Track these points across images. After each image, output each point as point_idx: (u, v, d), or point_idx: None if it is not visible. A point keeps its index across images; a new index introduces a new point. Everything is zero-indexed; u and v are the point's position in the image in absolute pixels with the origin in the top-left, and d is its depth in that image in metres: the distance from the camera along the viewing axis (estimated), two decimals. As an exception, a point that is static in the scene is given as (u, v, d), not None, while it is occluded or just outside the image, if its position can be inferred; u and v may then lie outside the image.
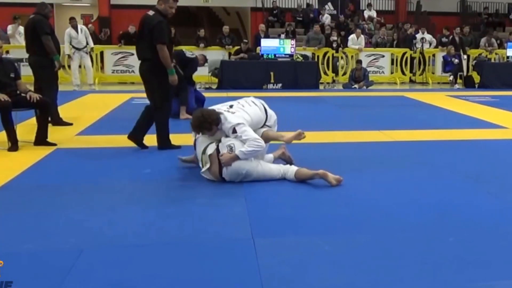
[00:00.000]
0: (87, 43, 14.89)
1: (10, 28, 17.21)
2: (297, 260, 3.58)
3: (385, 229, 4.23)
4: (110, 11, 22.72)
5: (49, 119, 7.88)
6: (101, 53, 16.95)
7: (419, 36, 18.67)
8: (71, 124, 8.77)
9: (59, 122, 8.73)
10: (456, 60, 16.83)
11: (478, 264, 3.55)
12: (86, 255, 3.64)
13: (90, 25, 18.49)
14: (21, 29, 16.11)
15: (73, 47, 14.62)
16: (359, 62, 16.47)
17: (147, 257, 3.62)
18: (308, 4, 23.11)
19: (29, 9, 22.22)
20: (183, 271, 3.41)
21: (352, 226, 4.28)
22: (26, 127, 7.70)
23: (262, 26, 18.63)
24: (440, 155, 6.81)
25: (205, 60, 10.95)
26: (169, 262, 3.56)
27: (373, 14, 22.28)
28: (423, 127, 8.88)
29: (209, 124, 5.37)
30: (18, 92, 7.16)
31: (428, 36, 18.86)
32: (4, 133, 6.94)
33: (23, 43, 9.64)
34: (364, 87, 15.80)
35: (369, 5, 22.85)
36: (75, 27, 14.66)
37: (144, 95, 7.18)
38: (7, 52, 14.74)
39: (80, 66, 15.05)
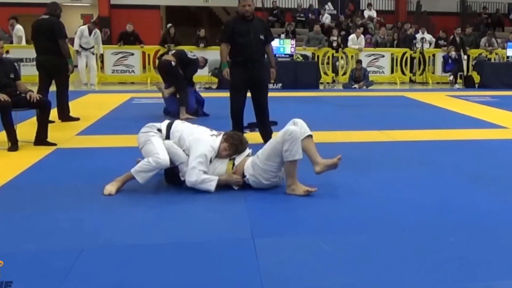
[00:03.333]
0: (95, 45, 15.09)
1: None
2: (297, 260, 3.58)
3: (385, 229, 4.23)
4: (110, 11, 22.72)
5: (59, 116, 8.99)
6: (101, 53, 16.94)
7: (419, 36, 18.67)
8: (78, 119, 9.33)
9: (69, 118, 9.29)
10: (454, 53, 16.82)
11: (478, 264, 3.54)
12: (86, 255, 3.64)
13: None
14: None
15: (80, 46, 14.83)
16: (359, 62, 16.48)
17: (147, 257, 3.62)
18: (310, 6, 23.11)
19: (28, 9, 22.31)
20: (183, 271, 3.41)
21: (352, 226, 4.29)
22: (26, 127, 7.69)
23: None
24: (440, 155, 6.81)
25: (206, 62, 10.94)
26: (169, 262, 3.55)
27: (373, 14, 22.26)
28: (423, 127, 8.88)
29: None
30: (18, 92, 7.16)
31: (428, 36, 18.85)
32: (4, 133, 6.94)
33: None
34: (364, 87, 15.80)
35: (369, 5, 22.84)
36: (90, 30, 14.87)
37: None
38: (7, 52, 14.75)
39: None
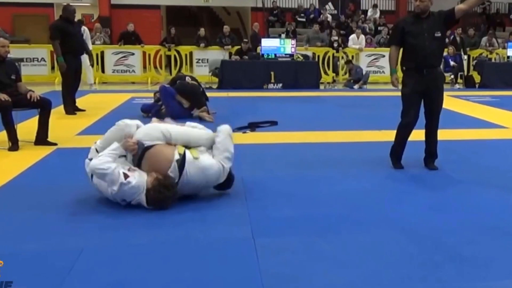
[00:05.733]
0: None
1: None
2: (297, 260, 3.59)
3: (385, 228, 4.24)
4: (111, 11, 22.73)
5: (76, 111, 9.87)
6: (102, 53, 16.95)
7: None
8: (84, 110, 10.22)
9: (73, 112, 10.00)
10: (452, 62, 16.86)
11: (479, 264, 3.55)
12: (86, 254, 3.65)
13: (96, 25, 18.56)
14: None
15: None
16: (348, 62, 16.58)
17: (147, 257, 3.63)
18: (312, 6, 23.14)
19: (29, 9, 22.26)
20: (183, 271, 3.42)
21: (352, 226, 4.29)
22: (27, 127, 7.69)
23: (256, 25, 18.72)
24: (440, 154, 6.79)
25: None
26: (170, 261, 3.57)
27: (377, 15, 22.20)
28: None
29: None
30: (18, 92, 7.16)
31: None
32: (4, 132, 6.95)
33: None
34: (365, 87, 15.81)
35: (374, 6, 22.76)
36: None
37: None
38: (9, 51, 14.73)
39: None
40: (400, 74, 6.48)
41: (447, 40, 18.41)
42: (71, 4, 11.03)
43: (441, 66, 18.30)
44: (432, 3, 5.98)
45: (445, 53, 17.38)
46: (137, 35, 17.59)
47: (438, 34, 6.01)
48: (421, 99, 6.20)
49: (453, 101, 12.60)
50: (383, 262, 3.58)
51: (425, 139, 6.37)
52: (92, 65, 10.01)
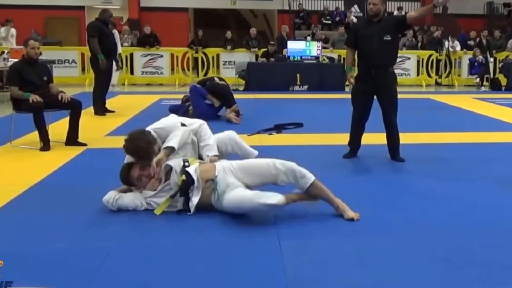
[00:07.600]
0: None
1: (2, 31, 17.63)
2: (322, 262, 3.61)
3: (410, 231, 4.25)
4: (140, 14, 22.97)
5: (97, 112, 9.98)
6: (131, 55, 17.16)
7: (448, 43, 18.40)
8: (113, 111, 10.35)
9: (103, 113, 10.17)
10: (481, 57, 16.75)
11: (502, 268, 3.53)
12: (113, 255, 3.69)
13: (125, 27, 18.78)
14: (13, 31, 17.20)
15: None
16: None
17: (173, 259, 3.66)
18: (337, 8, 23.15)
19: (61, 12, 22.55)
20: (209, 272, 3.46)
21: (377, 228, 4.30)
22: (58, 128, 7.85)
23: (284, 27, 18.81)
24: (466, 157, 6.78)
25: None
26: (196, 262, 3.60)
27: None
28: (449, 130, 8.86)
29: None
30: (50, 93, 7.32)
31: (456, 43, 18.65)
32: (36, 133, 7.11)
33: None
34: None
35: (399, 8, 22.69)
36: None
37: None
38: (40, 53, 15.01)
39: None
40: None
41: (473, 42, 18.38)
42: (97, 6, 11.28)
43: (467, 69, 18.12)
44: (384, 7, 6.45)
45: (470, 55, 17.31)
46: (155, 36, 17.72)
47: (388, 38, 6.31)
48: (369, 97, 6.61)
49: (478, 104, 12.54)
50: (407, 264, 3.59)
51: (386, 133, 6.78)
52: (122, 68, 10.18)
